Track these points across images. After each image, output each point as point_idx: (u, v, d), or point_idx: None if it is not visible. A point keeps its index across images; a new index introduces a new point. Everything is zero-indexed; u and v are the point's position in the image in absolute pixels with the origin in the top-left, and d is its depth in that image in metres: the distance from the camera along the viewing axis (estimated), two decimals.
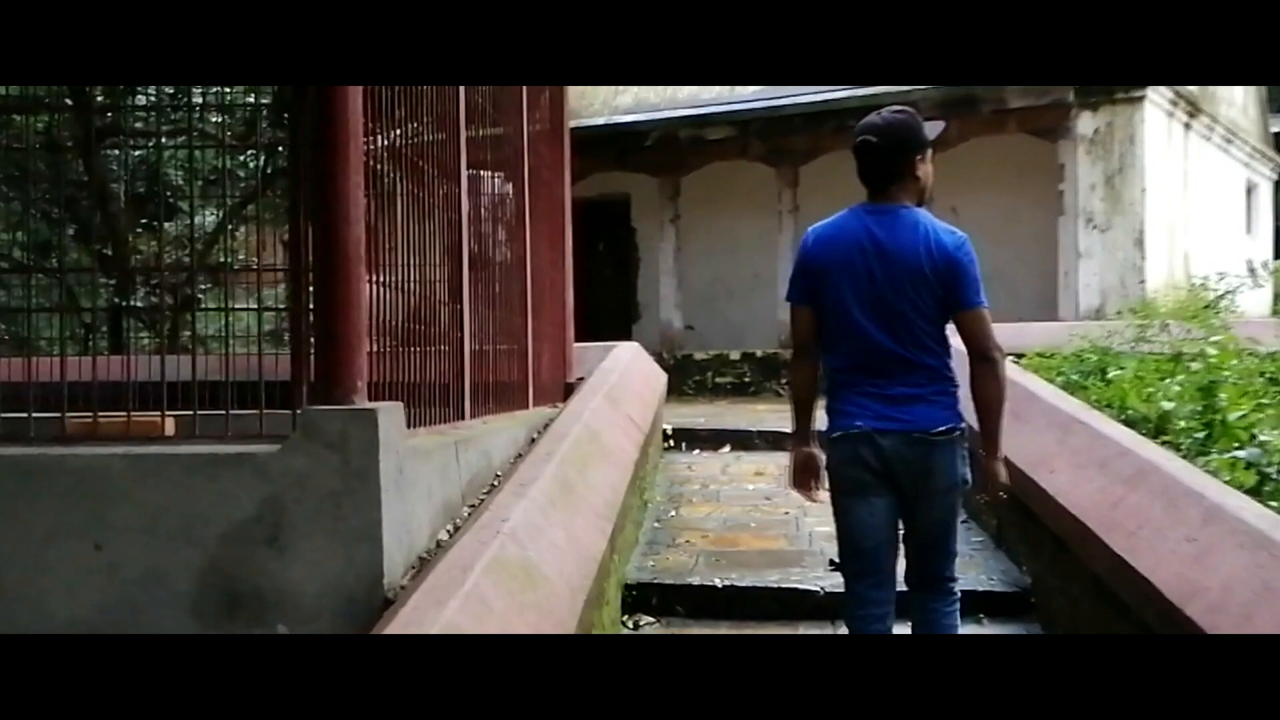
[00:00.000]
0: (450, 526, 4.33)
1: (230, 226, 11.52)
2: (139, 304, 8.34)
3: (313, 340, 3.93)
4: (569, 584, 3.82)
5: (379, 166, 4.18)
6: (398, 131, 4.44)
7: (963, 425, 3.65)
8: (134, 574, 3.66)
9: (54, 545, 3.68)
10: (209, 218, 12.87)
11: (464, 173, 5.33)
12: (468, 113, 5.38)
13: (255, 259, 7.67)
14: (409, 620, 2.98)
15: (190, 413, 3.99)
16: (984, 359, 3.60)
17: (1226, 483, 4.22)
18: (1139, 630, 3.79)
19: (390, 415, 3.77)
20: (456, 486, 4.54)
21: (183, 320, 9.69)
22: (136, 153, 11.03)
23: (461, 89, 5.23)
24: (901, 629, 3.82)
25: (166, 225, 10.66)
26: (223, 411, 3.99)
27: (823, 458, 3.80)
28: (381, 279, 4.36)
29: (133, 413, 4.01)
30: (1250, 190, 16.45)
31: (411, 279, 4.81)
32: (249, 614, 3.69)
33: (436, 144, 5.09)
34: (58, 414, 3.97)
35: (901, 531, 3.72)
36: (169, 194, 10.13)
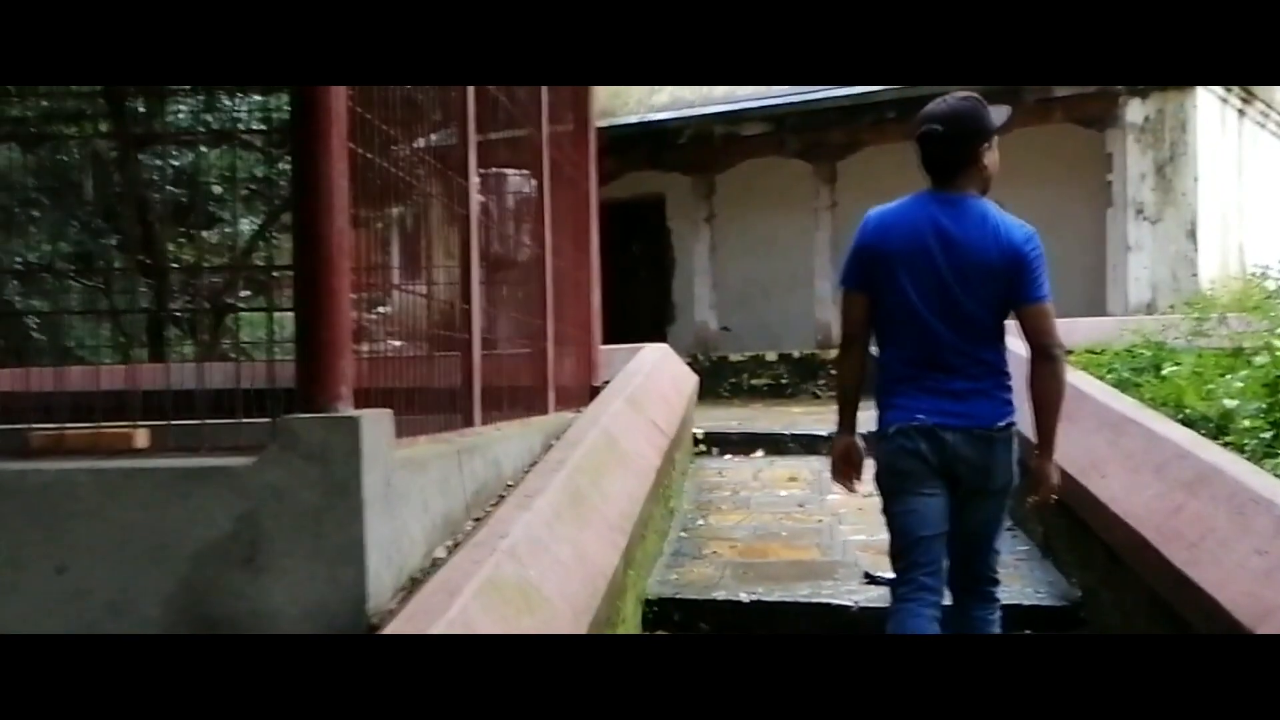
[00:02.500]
0: (450, 543, 4.04)
1: (266, 233, 11.38)
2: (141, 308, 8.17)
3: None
4: (573, 606, 3.50)
5: (372, 158, 3.89)
6: (396, 123, 4.15)
7: (1017, 421, 3.58)
8: (100, 598, 3.38)
9: (14, 568, 3.40)
10: (244, 226, 12.75)
11: (472, 166, 5.03)
12: (479, 104, 5.09)
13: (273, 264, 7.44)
14: None
15: (164, 422, 3.72)
16: (1047, 356, 3.50)
17: None
18: None
19: (376, 424, 3.47)
20: (459, 499, 4.24)
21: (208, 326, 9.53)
22: (175, 162, 10.91)
23: None
24: None
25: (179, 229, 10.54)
26: (199, 421, 3.71)
27: (863, 448, 3.74)
28: (377, 278, 4.09)
29: (102, 424, 3.73)
30: None
31: (413, 278, 4.53)
32: None
33: (442, 137, 4.82)
34: (22, 425, 3.71)
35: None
36: (188, 198, 9.98)
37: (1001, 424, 3.52)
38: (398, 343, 4.31)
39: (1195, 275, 11.23)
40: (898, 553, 3.63)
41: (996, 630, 3.69)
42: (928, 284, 3.50)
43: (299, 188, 3.50)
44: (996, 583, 3.73)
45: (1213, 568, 3.45)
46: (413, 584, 3.66)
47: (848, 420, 3.77)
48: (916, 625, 3.49)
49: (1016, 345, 3.63)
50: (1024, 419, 3.65)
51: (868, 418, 3.76)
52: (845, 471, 3.77)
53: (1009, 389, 3.58)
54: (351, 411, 3.46)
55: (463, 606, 2.99)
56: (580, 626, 3.44)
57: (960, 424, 3.49)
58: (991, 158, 3.62)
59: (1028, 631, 4.70)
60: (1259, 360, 4.81)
